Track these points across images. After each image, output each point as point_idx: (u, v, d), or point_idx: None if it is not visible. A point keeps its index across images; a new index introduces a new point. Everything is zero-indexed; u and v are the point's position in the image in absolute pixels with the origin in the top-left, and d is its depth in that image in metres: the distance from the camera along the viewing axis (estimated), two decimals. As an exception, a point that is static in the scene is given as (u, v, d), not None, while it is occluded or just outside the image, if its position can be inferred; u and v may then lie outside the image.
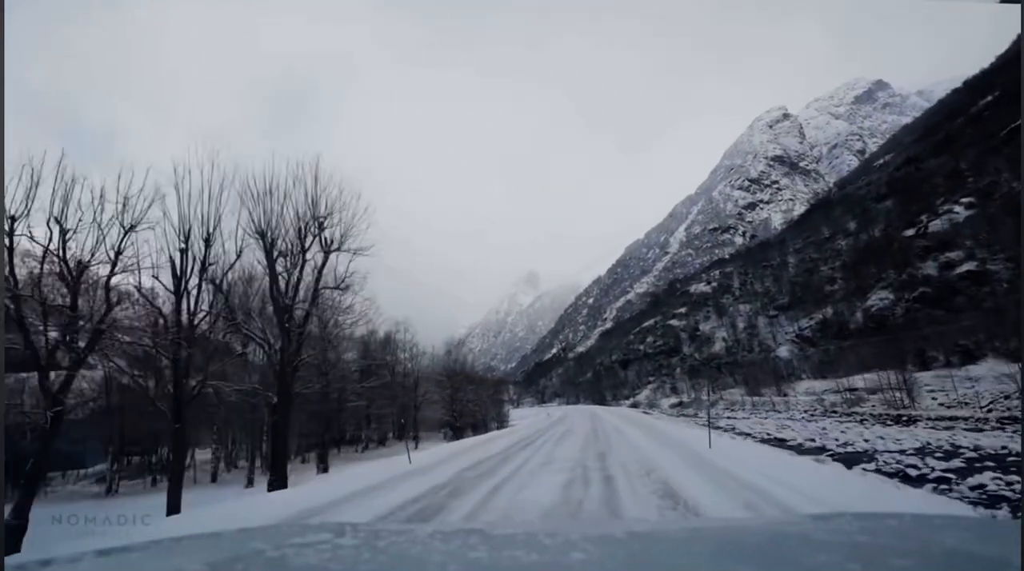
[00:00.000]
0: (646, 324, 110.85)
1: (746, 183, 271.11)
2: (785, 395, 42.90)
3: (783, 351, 71.78)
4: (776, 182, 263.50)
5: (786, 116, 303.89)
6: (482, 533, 1.65)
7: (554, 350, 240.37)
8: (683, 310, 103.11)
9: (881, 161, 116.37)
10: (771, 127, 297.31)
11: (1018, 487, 8.74)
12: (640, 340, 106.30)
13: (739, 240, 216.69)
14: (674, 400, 67.16)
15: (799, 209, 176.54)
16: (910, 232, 71.71)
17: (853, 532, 1.44)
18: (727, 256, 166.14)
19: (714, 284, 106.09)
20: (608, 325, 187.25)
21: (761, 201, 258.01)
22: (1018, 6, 1.90)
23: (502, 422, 46.74)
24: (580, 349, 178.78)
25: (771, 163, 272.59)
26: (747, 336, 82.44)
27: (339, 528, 1.52)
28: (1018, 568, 0.95)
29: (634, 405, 71.38)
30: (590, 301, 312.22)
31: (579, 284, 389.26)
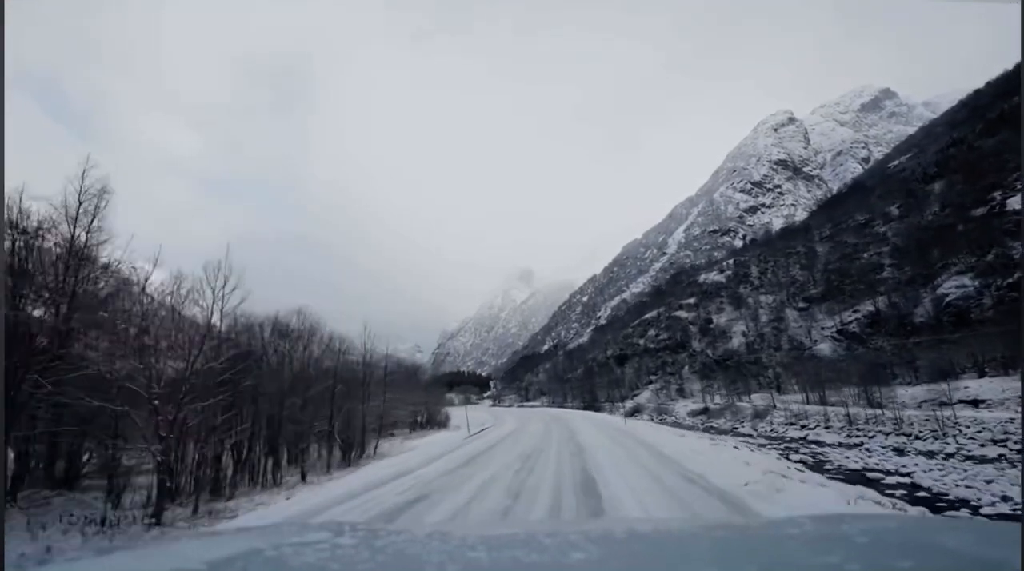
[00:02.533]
0: (647, 316, 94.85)
1: (748, 186, 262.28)
2: (880, 405, 27.28)
3: (822, 348, 56.74)
4: (779, 186, 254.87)
5: (791, 120, 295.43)
6: (481, 533, 1.67)
7: (546, 347, 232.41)
8: (692, 301, 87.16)
9: (897, 162, 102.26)
10: (776, 130, 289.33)
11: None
12: (640, 333, 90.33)
13: (739, 243, 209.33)
14: (693, 404, 50.85)
15: (801, 214, 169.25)
16: (979, 211, 58.21)
17: (853, 534, 1.38)
18: (742, 243, 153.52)
19: (728, 273, 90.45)
20: (603, 321, 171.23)
21: (763, 205, 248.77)
22: (1018, 6, 1.85)
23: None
24: (572, 346, 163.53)
25: (774, 167, 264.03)
26: (773, 331, 66.80)
27: (338, 527, 1.50)
28: (1018, 569, 0.93)
29: (636, 411, 54.94)
30: (584, 299, 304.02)
31: (574, 282, 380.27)
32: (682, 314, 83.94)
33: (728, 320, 74.89)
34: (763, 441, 25.54)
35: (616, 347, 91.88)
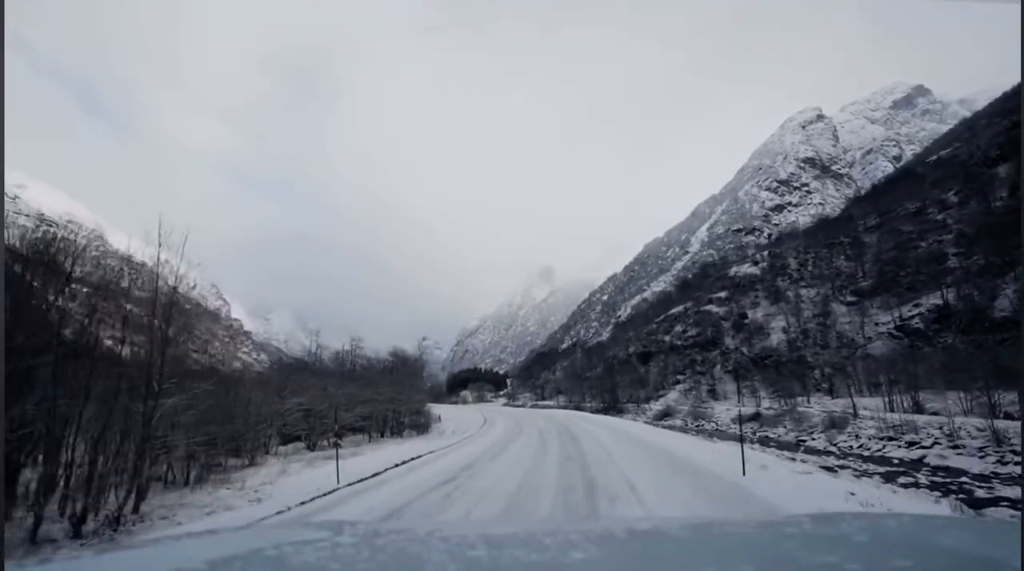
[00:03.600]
0: (673, 311, 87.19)
1: (774, 184, 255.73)
2: (1009, 416, 20.20)
3: (876, 346, 49.02)
4: (806, 185, 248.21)
5: (820, 117, 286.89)
6: (482, 532, 1.65)
7: (564, 345, 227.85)
8: (723, 295, 79.38)
9: (948, 150, 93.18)
10: (804, 128, 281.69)
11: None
12: (665, 329, 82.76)
13: (764, 241, 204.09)
14: (733, 407, 42.56)
15: (829, 213, 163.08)
16: (1058, 191, 50.51)
17: (853, 532, 1.38)
18: (771, 236, 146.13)
19: (763, 264, 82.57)
20: (624, 317, 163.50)
21: (789, 203, 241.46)
22: (1018, 6, 1.85)
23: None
24: (591, 343, 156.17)
25: (802, 165, 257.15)
26: (819, 327, 58.97)
27: (338, 527, 1.51)
28: (1018, 569, 0.92)
29: (665, 415, 47.79)
30: (604, 298, 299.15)
31: (594, 280, 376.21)
32: (713, 309, 76.22)
33: (765, 315, 67.12)
34: (858, 463, 18.45)
35: (639, 344, 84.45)
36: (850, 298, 59.98)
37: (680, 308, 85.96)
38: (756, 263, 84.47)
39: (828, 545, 1.27)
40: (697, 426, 36.81)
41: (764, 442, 26.06)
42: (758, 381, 57.32)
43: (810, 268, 73.11)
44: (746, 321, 68.42)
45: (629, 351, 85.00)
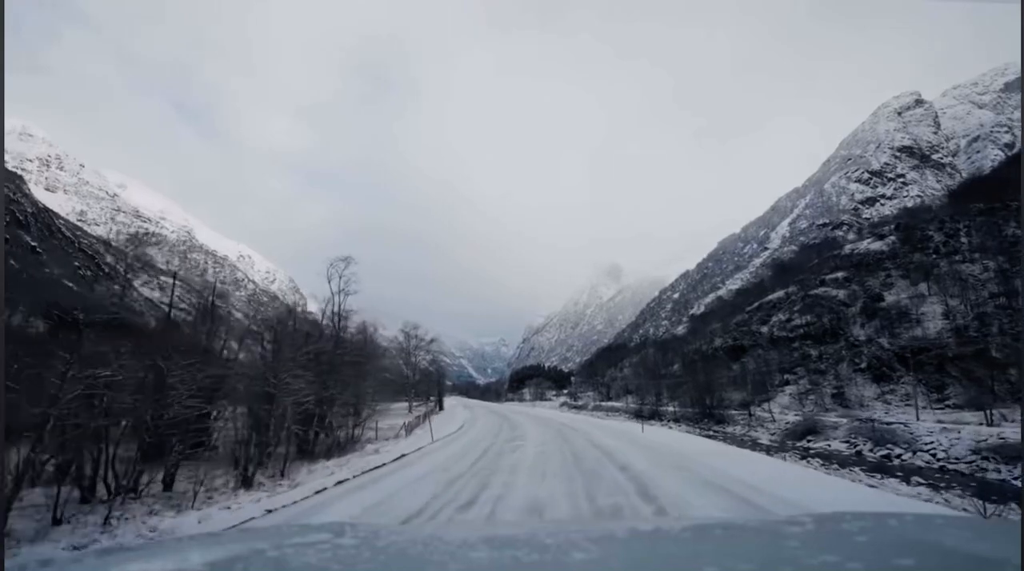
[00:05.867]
0: (771, 297, 69.43)
1: (866, 175, 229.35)
2: None
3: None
4: (902, 176, 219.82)
5: (919, 103, 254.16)
6: (483, 533, 1.65)
7: (632, 345, 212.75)
8: (840, 275, 61.09)
9: None
10: (900, 115, 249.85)
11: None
12: (761, 319, 65.23)
13: (853, 237, 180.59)
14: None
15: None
16: None
17: (853, 532, 1.35)
18: (862, 230, 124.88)
19: (891, 239, 63.44)
20: (702, 309, 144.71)
21: (882, 196, 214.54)
22: (1018, 6, 1.81)
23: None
24: (666, 336, 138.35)
25: (897, 154, 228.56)
26: (1001, 311, 40.63)
27: (339, 528, 1.49)
28: (1018, 568, 0.91)
29: (805, 433, 28.68)
30: (675, 296, 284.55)
31: (664, 279, 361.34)
32: (828, 292, 58.21)
33: (908, 297, 48.73)
34: None
35: (727, 336, 67.18)
36: (1042, 273, 41.28)
37: (779, 293, 67.98)
38: (881, 237, 65.24)
39: (829, 544, 1.24)
40: (901, 461, 20.49)
41: None
42: (907, 383, 40.18)
43: (964, 239, 53.76)
44: (881, 306, 50.22)
45: (713, 345, 67.92)
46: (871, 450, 22.39)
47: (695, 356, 68.01)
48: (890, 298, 50.99)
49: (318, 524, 1.58)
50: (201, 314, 24.19)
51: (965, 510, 13.76)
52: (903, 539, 1.26)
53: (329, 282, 25.97)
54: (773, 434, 31.45)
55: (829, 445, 24.61)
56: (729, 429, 36.90)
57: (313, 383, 16.33)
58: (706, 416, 42.83)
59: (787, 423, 33.45)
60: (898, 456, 20.80)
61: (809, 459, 20.90)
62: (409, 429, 28.46)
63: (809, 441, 26.47)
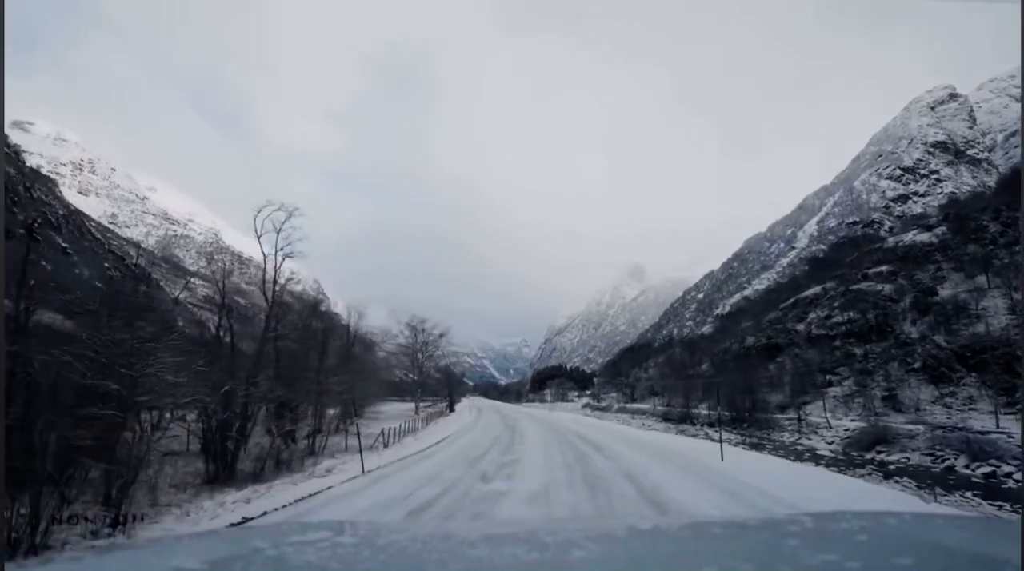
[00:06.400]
0: (807, 294, 64.91)
1: (897, 172, 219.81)
2: None
3: None
4: (935, 172, 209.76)
5: (953, 97, 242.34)
6: (483, 531, 1.64)
7: (656, 345, 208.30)
8: (884, 269, 56.37)
9: None
10: (933, 109, 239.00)
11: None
12: (797, 317, 60.82)
13: (884, 235, 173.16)
14: None
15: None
16: None
17: (853, 531, 1.33)
18: (892, 229, 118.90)
19: (940, 230, 58.47)
20: (728, 309, 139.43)
21: (915, 193, 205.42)
22: (1018, 6, 1.75)
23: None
24: (693, 336, 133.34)
25: (931, 150, 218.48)
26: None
27: (339, 526, 1.45)
28: (1018, 568, 0.90)
29: (875, 443, 24.73)
30: (700, 296, 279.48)
31: (688, 279, 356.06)
32: (871, 286, 53.65)
33: (967, 291, 44.09)
34: None
35: (760, 335, 62.88)
36: None
37: (816, 289, 63.40)
38: (929, 228, 60.22)
39: (828, 543, 1.22)
40: (1015, 482, 15.99)
41: None
42: (969, 385, 35.91)
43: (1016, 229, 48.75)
44: (934, 301, 45.64)
45: (745, 344, 63.69)
46: (967, 466, 18.25)
47: (725, 356, 63.94)
48: (944, 292, 46.35)
49: (318, 522, 1.53)
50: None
51: (970, 506, 13.27)
52: (902, 538, 1.25)
53: (259, 238, 19.17)
54: (831, 443, 27.34)
55: (908, 459, 20.55)
56: (775, 436, 33.01)
57: (207, 374, 12.81)
58: (744, 420, 38.92)
59: (846, 430, 29.32)
60: (1008, 475, 16.70)
61: (896, 479, 16.94)
62: (403, 433, 25.40)
63: (880, 453, 22.43)
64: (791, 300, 66.68)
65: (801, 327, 57.80)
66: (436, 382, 63.09)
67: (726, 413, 41.51)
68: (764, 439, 31.10)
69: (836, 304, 55.61)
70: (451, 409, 55.34)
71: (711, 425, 40.86)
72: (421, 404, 54.63)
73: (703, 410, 48.11)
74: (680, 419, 45.38)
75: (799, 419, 36.72)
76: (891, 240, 65.24)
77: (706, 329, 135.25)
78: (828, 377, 45.21)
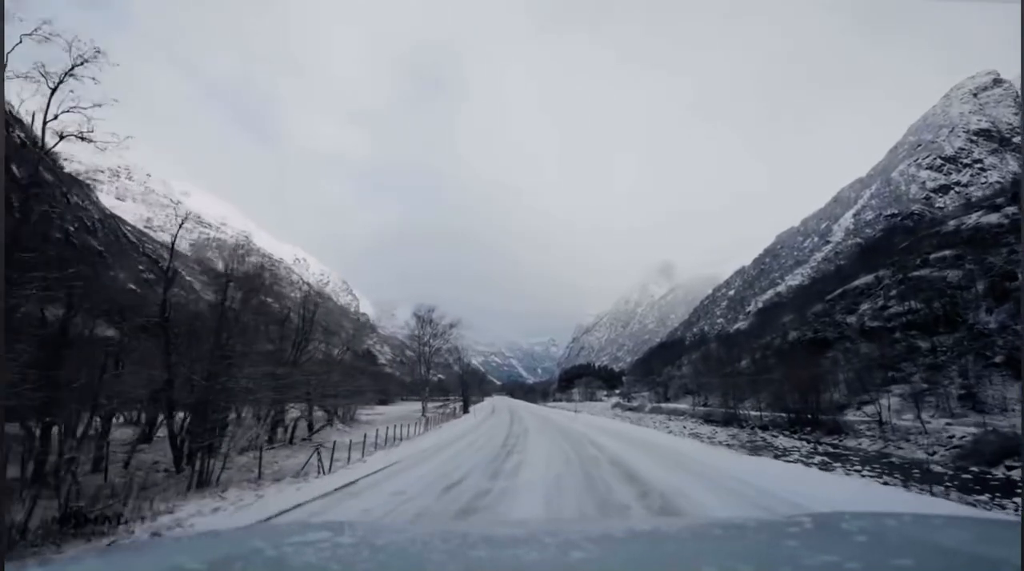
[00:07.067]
0: (857, 283, 59.38)
1: (938, 162, 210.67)
2: None
3: None
4: (979, 161, 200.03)
5: (997, 82, 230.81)
6: (482, 532, 1.64)
7: (688, 343, 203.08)
8: (947, 254, 50.64)
9: None
10: (975, 96, 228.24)
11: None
12: (847, 308, 55.42)
13: (924, 228, 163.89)
14: None
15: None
16: None
17: (852, 532, 1.33)
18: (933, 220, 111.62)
19: (1009, 210, 52.40)
20: (759, 305, 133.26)
21: (957, 183, 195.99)
22: (1018, 6, 1.74)
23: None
24: (729, 330, 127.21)
25: (973, 138, 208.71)
26: None
27: (338, 527, 1.45)
28: (1018, 568, 0.90)
29: None
30: (731, 293, 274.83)
31: (717, 276, 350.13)
32: (933, 273, 48.09)
33: (1052, 275, 38.53)
34: None
35: (806, 329, 57.55)
36: None
37: (867, 278, 57.82)
38: (996, 209, 54.06)
39: (828, 544, 1.23)
40: None
41: None
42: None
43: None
44: (1013, 286, 40.07)
45: (789, 338, 58.44)
46: None
47: (767, 351, 58.81)
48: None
49: (318, 523, 1.54)
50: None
51: (970, 506, 12.11)
52: (902, 539, 1.25)
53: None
54: (932, 453, 22.41)
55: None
56: (850, 443, 28.23)
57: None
58: (804, 422, 34.07)
59: (950, 437, 24.25)
60: None
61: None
62: (386, 442, 21.50)
63: (1011, 470, 17.60)
64: (838, 291, 61.14)
65: (852, 319, 52.40)
66: (456, 380, 58.93)
67: (781, 414, 36.69)
68: (839, 447, 26.48)
69: (892, 293, 50.10)
70: (465, 410, 50.75)
71: (763, 428, 36.18)
72: (431, 404, 50.48)
73: (751, 410, 43.18)
74: (725, 420, 40.73)
75: (879, 421, 31.61)
76: (952, 223, 59.15)
77: (739, 326, 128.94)
78: (891, 373, 40.00)
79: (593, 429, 29.78)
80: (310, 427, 24.69)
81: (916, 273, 49.84)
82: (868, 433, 30.18)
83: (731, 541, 1.42)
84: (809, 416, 34.76)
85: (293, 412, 24.43)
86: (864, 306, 52.97)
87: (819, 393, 37.85)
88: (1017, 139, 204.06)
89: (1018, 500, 14.05)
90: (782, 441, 31.23)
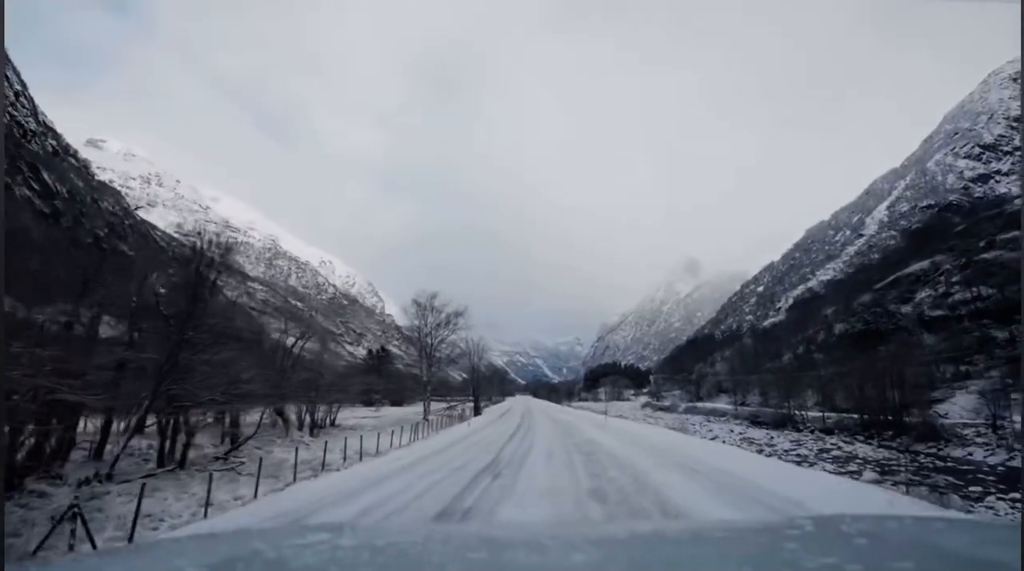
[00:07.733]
0: (910, 270, 54.16)
1: (976, 150, 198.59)
2: None
3: None
4: (1020, 148, 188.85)
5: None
6: (482, 534, 1.64)
7: (719, 339, 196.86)
8: (1014, 234, 45.44)
9: None
10: (1015, 81, 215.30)
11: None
12: (901, 297, 50.39)
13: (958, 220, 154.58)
14: None
15: None
16: None
17: (853, 534, 1.34)
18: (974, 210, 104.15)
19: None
20: (793, 299, 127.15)
21: (997, 172, 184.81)
22: (1018, 6, 1.77)
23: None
24: (765, 324, 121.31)
25: (1013, 125, 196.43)
26: None
27: (338, 528, 1.45)
28: (1019, 570, 0.90)
29: None
30: (759, 289, 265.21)
31: (744, 272, 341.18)
32: (1002, 256, 42.90)
33: None
34: None
35: (855, 321, 52.52)
36: None
37: (922, 264, 52.61)
38: (1071, 184, 48.36)
39: (828, 547, 1.23)
40: None
41: None
42: None
43: None
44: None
45: (834, 332, 53.47)
46: None
47: (810, 346, 53.94)
48: (1117, 256, 35.50)
49: (317, 524, 1.52)
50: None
51: (967, 511, 11.99)
52: (902, 541, 1.24)
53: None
54: None
55: None
56: (955, 453, 23.49)
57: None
58: (886, 425, 29.32)
59: None
60: None
61: None
62: (361, 455, 17.92)
63: None
64: (889, 278, 55.87)
65: (908, 309, 47.38)
66: (484, 378, 54.90)
67: (848, 415, 32.03)
68: (947, 459, 21.86)
69: (955, 279, 45.00)
70: (476, 412, 45.76)
71: (827, 431, 31.60)
72: (440, 405, 46.13)
73: (806, 409, 38.20)
74: (777, 422, 36.23)
75: (993, 425, 26.85)
76: (1018, 201, 53.60)
77: (770, 321, 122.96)
78: (965, 368, 35.17)
79: (623, 441, 19.52)
80: (233, 439, 18.38)
81: (982, 256, 44.64)
82: (979, 440, 25.37)
83: (732, 543, 1.39)
84: (889, 417, 29.98)
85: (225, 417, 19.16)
86: (921, 294, 47.98)
87: (902, 389, 32.69)
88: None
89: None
90: (863, 450, 26.56)
